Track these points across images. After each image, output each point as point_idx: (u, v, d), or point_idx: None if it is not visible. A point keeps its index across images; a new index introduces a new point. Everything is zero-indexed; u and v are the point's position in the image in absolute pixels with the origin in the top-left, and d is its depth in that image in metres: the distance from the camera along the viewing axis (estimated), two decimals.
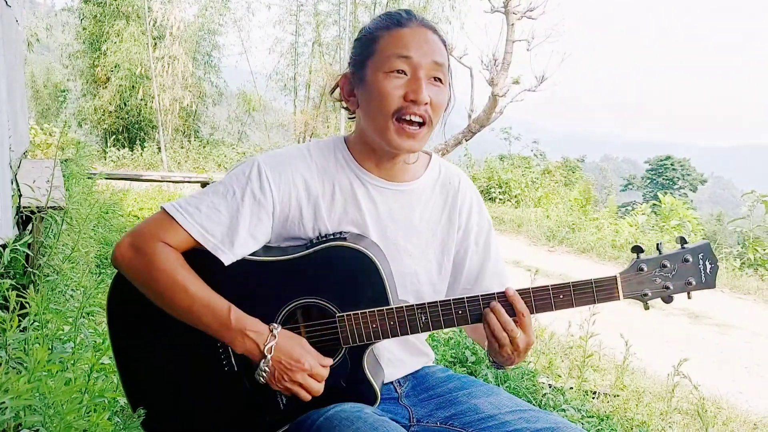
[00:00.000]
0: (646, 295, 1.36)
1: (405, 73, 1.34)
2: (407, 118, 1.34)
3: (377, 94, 1.34)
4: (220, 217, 1.34)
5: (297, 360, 1.29)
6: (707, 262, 1.36)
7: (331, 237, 1.39)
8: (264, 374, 1.30)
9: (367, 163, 1.45)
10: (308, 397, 1.32)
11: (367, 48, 1.38)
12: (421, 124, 1.36)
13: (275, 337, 1.29)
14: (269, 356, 1.28)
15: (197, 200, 1.36)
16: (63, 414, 1.43)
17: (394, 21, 1.37)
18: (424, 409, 1.47)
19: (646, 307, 1.38)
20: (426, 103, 1.34)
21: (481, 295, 1.36)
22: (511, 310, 1.34)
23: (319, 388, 1.32)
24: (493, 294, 1.36)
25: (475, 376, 2.87)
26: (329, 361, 1.34)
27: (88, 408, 1.59)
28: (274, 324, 1.32)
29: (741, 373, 4.71)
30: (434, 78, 1.36)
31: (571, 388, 3.40)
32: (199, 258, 1.33)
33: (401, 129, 1.35)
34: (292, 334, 1.34)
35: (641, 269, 1.35)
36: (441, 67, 1.36)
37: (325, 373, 1.33)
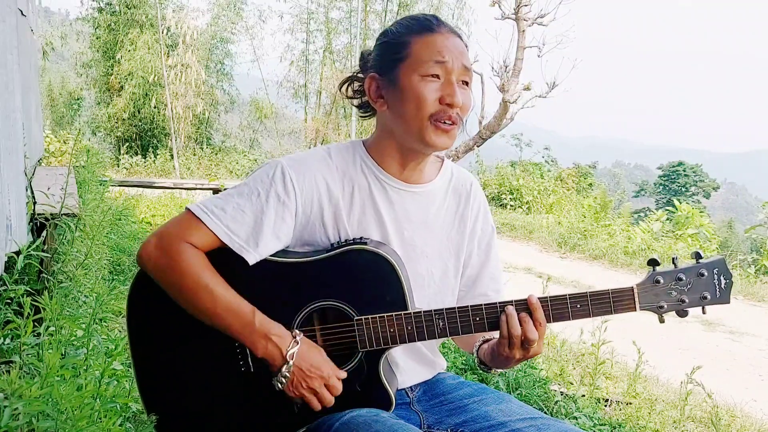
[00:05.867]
0: (661, 307, 1.37)
1: (438, 77, 1.37)
2: (442, 120, 1.38)
3: (413, 97, 1.37)
4: (245, 218, 1.36)
5: (317, 368, 1.31)
6: (722, 278, 1.36)
7: (352, 241, 1.41)
8: (283, 380, 1.31)
9: (387, 165, 1.47)
10: (319, 407, 1.33)
11: (399, 52, 1.40)
12: (451, 123, 1.40)
13: (298, 343, 1.30)
14: (291, 362, 1.30)
15: (222, 201, 1.38)
16: (75, 420, 1.44)
17: (426, 26, 1.41)
18: (434, 416, 1.47)
19: (662, 320, 1.38)
20: (459, 106, 1.38)
21: (499, 303, 1.37)
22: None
23: (331, 399, 1.34)
24: (512, 301, 1.37)
25: (486, 384, 2.86)
26: (344, 374, 1.36)
27: (100, 414, 1.60)
28: (297, 330, 1.33)
29: (755, 381, 4.66)
30: (463, 81, 1.40)
31: (583, 395, 3.38)
32: (220, 257, 1.35)
33: (437, 127, 1.38)
34: (312, 342, 1.35)
35: (658, 281, 1.36)
36: (468, 71, 1.41)
37: (340, 386, 1.35)
